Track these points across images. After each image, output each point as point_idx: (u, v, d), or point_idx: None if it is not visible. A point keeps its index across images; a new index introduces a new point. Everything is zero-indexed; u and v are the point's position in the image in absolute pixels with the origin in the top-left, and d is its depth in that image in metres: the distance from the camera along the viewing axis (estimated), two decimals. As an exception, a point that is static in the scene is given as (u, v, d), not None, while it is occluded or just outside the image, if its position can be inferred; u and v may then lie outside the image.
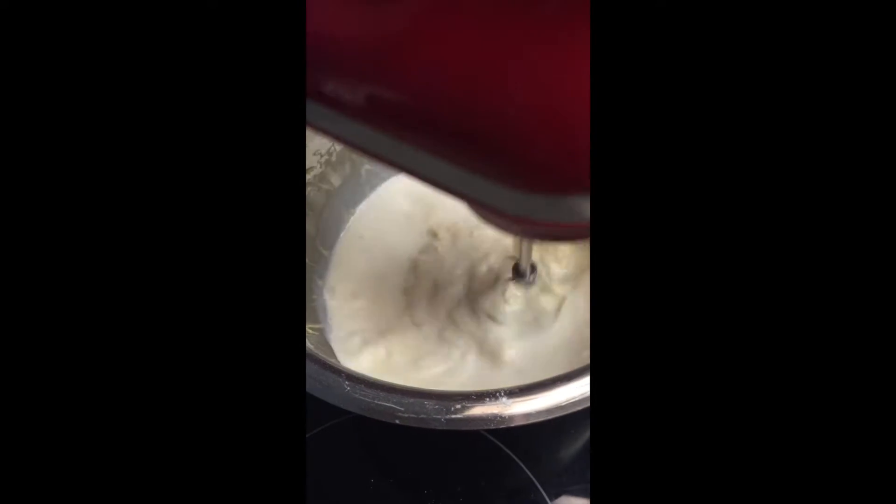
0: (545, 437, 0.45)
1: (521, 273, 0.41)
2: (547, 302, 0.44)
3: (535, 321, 0.44)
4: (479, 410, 0.31)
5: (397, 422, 0.30)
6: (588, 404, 0.31)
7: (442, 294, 0.45)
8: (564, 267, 0.45)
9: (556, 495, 0.43)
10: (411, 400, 0.31)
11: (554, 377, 0.32)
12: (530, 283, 0.43)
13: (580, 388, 0.32)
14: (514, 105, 0.16)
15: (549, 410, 0.31)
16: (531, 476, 0.43)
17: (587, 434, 0.45)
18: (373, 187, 0.51)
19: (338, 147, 0.47)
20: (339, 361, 0.41)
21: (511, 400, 0.31)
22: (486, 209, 0.21)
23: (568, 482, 0.43)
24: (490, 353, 0.43)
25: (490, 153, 0.17)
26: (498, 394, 0.31)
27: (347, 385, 0.31)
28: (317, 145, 0.46)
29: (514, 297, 0.43)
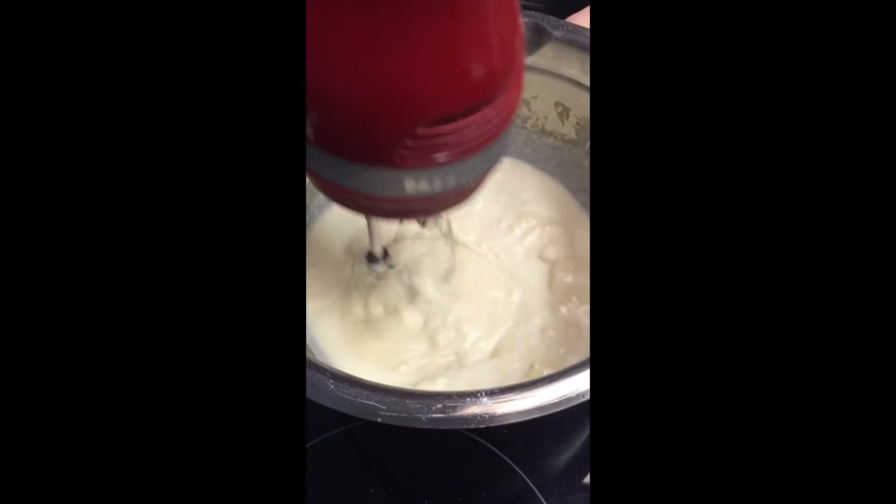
0: (544, 445, 0.45)
1: (372, 257, 0.41)
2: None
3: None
4: (459, 411, 0.32)
5: (379, 420, 0.31)
6: (568, 406, 0.32)
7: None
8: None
9: (556, 503, 0.43)
10: (393, 399, 0.32)
11: (534, 380, 0.33)
12: (391, 266, 0.43)
13: (560, 391, 0.32)
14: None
15: (528, 412, 0.32)
16: (530, 484, 0.43)
17: (584, 440, 0.45)
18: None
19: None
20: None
21: (491, 400, 0.32)
22: (324, 182, 0.26)
23: (567, 490, 0.43)
24: None
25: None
26: (479, 394, 0.32)
27: (332, 384, 0.32)
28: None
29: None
